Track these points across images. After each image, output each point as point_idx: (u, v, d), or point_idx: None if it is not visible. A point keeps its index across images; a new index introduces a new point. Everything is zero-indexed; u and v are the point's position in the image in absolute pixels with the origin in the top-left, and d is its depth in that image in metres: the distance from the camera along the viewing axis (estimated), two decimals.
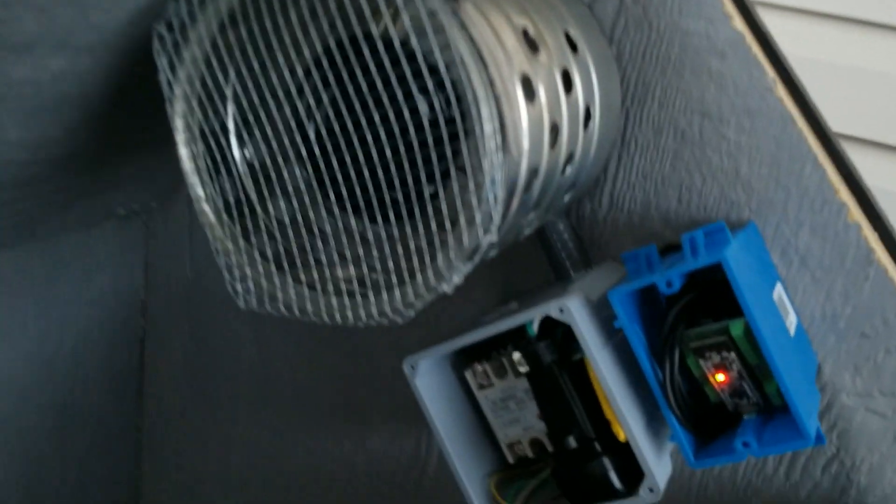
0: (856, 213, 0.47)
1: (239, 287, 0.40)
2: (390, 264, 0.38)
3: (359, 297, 0.39)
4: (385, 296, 0.38)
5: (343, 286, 0.39)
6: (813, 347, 0.50)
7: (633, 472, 0.47)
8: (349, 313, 0.39)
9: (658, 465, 0.45)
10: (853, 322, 0.48)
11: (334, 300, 0.39)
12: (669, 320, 0.44)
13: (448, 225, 0.38)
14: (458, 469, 0.51)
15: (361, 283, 0.39)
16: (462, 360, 0.53)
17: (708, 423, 0.46)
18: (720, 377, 0.44)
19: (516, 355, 0.50)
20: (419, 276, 0.38)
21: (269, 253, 0.41)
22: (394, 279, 0.38)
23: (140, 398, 0.80)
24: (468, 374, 0.52)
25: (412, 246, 0.38)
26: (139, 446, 0.81)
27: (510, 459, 0.52)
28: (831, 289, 0.48)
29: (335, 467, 0.71)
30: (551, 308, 0.45)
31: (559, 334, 0.49)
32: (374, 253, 0.39)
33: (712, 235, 0.43)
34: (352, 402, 0.69)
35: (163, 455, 0.81)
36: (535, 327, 0.47)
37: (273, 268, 0.41)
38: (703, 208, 0.50)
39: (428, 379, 0.52)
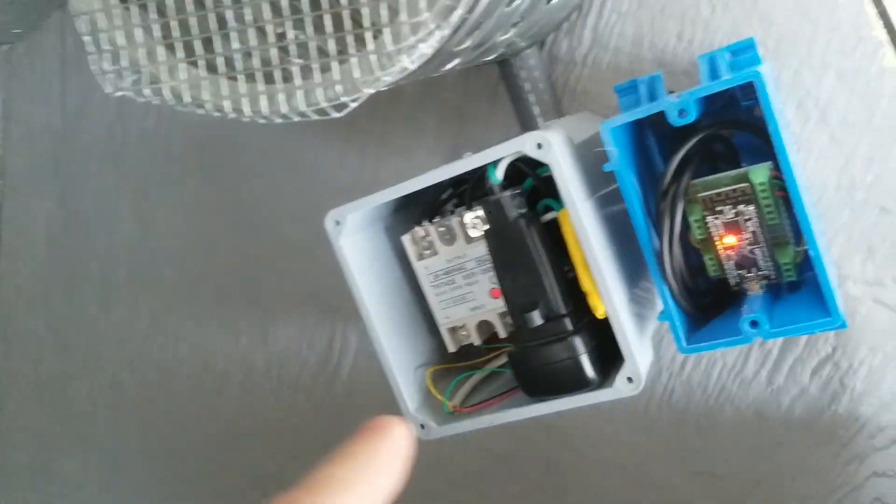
0: (894, 56, 0.38)
1: (107, 65, 0.29)
2: (321, 40, 0.27)
3: (279, 83, 0.27)
4: (316, 78, 0.27)
5: (256, 66, 0.28)
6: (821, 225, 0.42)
7: (606, 362, 0.38)
8: (263, 104, 0.28)
9: (640, 348, 0.37)
10: (874, 193, 0.40)
11: (243, 86, 0.28)
12: (674, 164, 0.34)
13: None
14: (386, 356, 0.41)
15: (282, 62, 0.28)
16: (402, 225, 0.43)
17: (703, 302, 0.38)
18: (729, 239, 0.35)
19: (469, 215, 0.40)
20: (356, 59, 0.27)
21: (155, 25, 0.29)
22: (325, 61, 0.27)
23: None
24: (406, 240, 0.42)
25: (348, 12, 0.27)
26: None
27: (451, 348, 0.43)
28: (853, 151, 0.40)
29: (228, 366, 0.60)
30: (526, 142, 0.35)
31: (526, 188, 0.39)
32: (302, 26, 0.28)
33: (738, 55, 0.34)
34: (251, 287, 0.58)
35: (19, 347, 0.67)
36: (499, 172, 0.37)
37: (158, 45, 0.29)
38: (709, 46, 0.41)
39: (356, 241, 0.41)
